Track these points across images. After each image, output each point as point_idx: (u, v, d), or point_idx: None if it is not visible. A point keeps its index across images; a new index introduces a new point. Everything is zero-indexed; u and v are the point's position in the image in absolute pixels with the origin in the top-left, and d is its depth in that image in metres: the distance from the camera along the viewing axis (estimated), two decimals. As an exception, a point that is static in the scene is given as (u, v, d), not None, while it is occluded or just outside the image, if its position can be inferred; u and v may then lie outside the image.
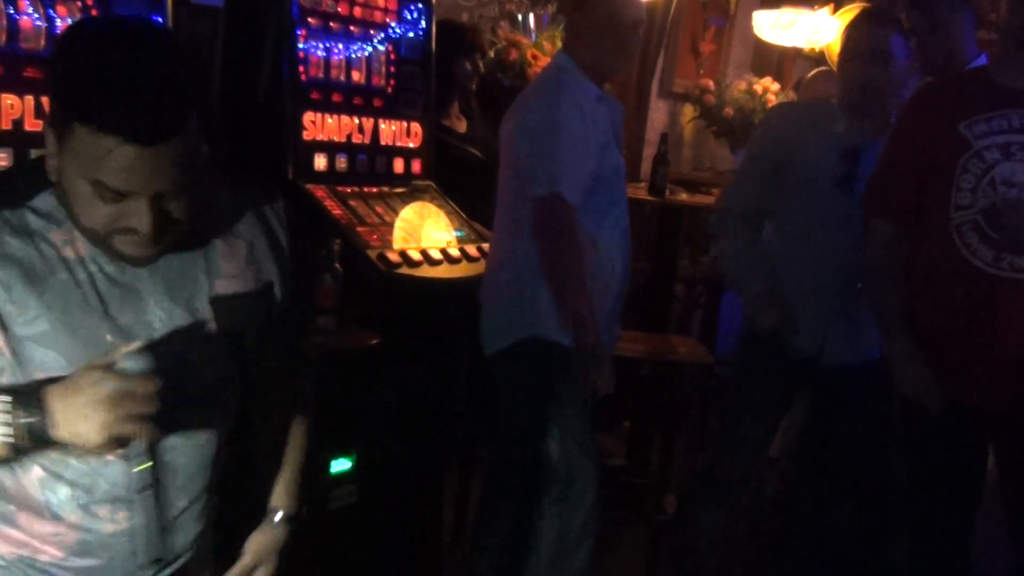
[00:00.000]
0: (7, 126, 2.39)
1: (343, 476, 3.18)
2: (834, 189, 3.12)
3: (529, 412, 3.07)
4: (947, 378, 2.81)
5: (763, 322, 3.24)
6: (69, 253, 1.54)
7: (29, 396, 1.42)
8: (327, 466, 3.13)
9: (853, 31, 3.21)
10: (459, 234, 3.44)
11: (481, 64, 4.47)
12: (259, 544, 1.97)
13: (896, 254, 2.94)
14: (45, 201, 1.57)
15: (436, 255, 3.28)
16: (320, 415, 2.97)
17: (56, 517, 1.63)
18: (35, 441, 1.42)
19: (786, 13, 6.58)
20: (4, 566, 1.66)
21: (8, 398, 1.41)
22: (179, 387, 1.57)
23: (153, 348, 1.50)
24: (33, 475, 1.59)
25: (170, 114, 1.47)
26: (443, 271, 3.27)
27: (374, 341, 2.98)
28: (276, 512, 2.00)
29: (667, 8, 6.52)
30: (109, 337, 1.54)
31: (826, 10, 7.55)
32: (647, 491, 4.42)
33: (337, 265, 2.96)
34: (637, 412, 4.79)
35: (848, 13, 6.64)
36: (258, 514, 2.00)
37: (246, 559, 1.94)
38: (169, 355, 1.55)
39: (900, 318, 2.92)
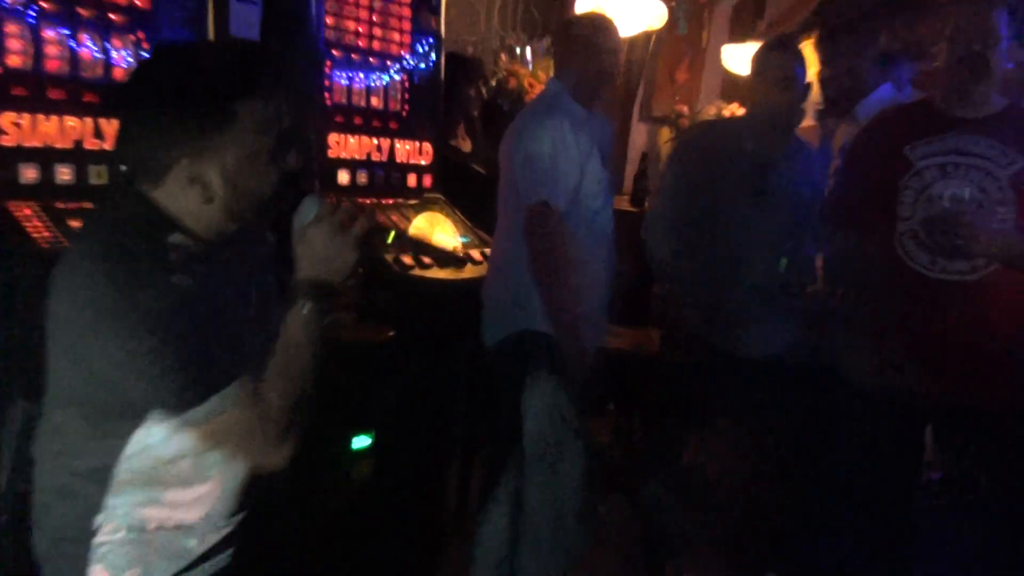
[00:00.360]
0: (69, 145, 2.41)
1: (363, 451, 3.19)
2: (748, 199, 3.14)
3: (523, 395, 3.06)
4: (890, 366, 2.83)
5: (692, 318, 3.27)
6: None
7: (295, 293, 1.60)
8: (349, 443, 3.14)
9: (764, 60, 3.24)
10: (464, 240, 3.45)
11: (484, 91, 4.48)
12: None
13: (851, 259, 2.97)
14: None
15: (445, 258, 3.31)
16: (342, 399, 3.01)
17: (204, 480, 1.69)
18: (330, 299, 1.63)
19: (750, 47, 6.59)
20: (155, 527, 1.68)
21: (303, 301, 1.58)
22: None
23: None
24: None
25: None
26: (450, 272, 3.29)
27: (390, 334, 2.99)
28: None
29: (647, 43, 6.54)
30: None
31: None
32: (628, 465, 4.44)
33: (358, 267, 2.98)
34: (620, 396, 4.80)
35: (806, 46, 6.68)
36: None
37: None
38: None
39: (854, 316, 2.95)
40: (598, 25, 3.14)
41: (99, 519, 1.66)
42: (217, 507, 1.73)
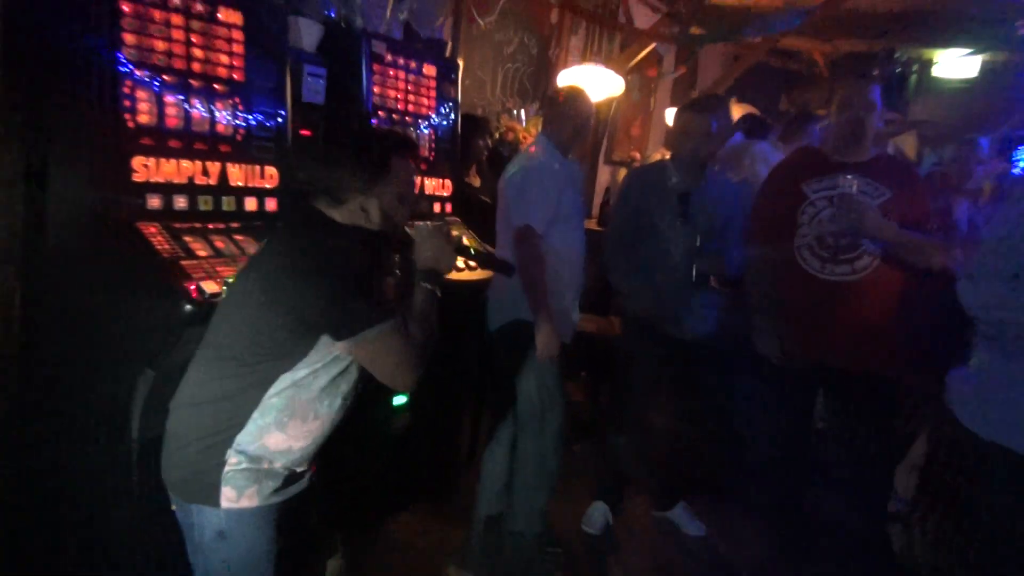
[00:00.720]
0: (184, 181, 2.41)
1: (401, 408, 3.19)
2: (675, 220, 3.13)
3: (517, 368, 3.06)
4: (795, 341, 2.84)
5: (636, 307, 3.28)
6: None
7: (420, 277, 1.92)
8: (391, 401, 3.15)
9: (679, 117, 3.27)
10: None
11: (490, 141, 4.48)
12: None
13: (763, 266, 2.97)
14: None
15: (460, 265, 3.29)
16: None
17: (316, 417, 1.79)
18: (438, 284, 1.92)
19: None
20: (272, 454, 1.77)
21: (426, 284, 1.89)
22: None
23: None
24: (312, 393, 1.76)
25: (417, 143, 2.13)
26: (464, 276, 3.27)
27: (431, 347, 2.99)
28: None
29: (610, 106, 6.55)
30: None
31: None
32: (598, 421, 4.45)
33: (397, 271, 2.97)
34: (591, 366, 4.80)
35: (737, 110, 6.69)
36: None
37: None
38: None
39: (763, 306, 2.95)
40: (575, 97, 3.13)
41: (228, 453, 1.73)
42: (316, 441, 1.83)
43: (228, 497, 1.74)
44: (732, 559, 3.25)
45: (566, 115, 3.08)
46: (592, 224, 4.96)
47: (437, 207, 3.50)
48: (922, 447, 3.59)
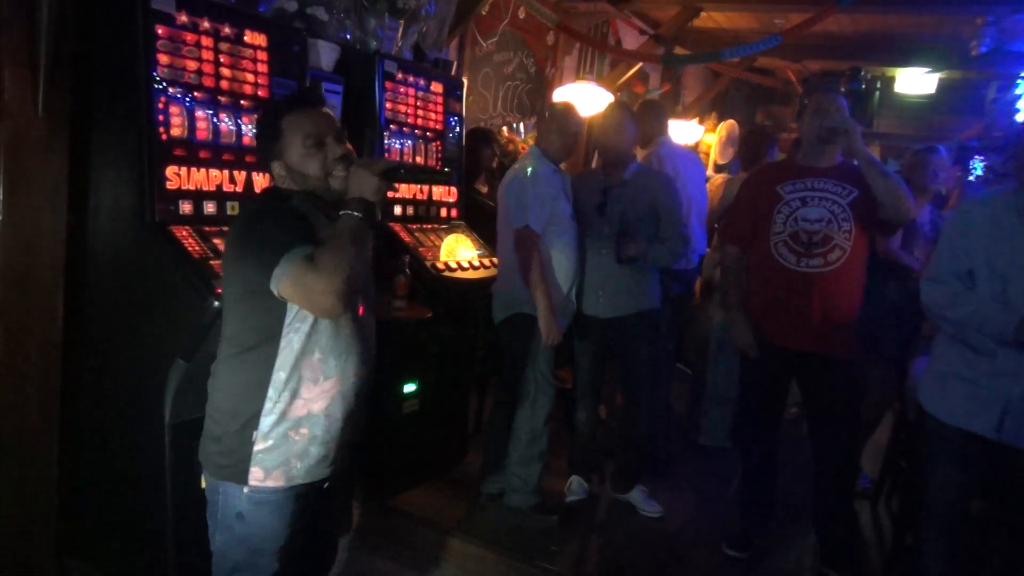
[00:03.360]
0: (212, 188, 2.40)
1: (411, 394, 3.18)
2: (595, 212, 3.12)
3: (516, 356, 3.05)
4: (770, 331, 2.83)
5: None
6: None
7: (345, 206, 1.64)
8: (401, 388, 3.13)
9: (601, 120, 3.26)
10: (479, 252, 3.42)
11: (497, 150, 4.46)
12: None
13: (738, 263, 2.96)
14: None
15: (466, 265, 3.28)
16: (397, 358, 3.01)
17: (327, 377, 1.71)
18: (363, 210, 1.63)
19: (672, 123, 6.58)
20: (297, 421, 1.71)
21: (346, 211, 1.62)
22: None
23: None
24: (316, 356, 1.69)
25: (314, 95, 1.81)
26: (470, 275, 3.26)
27: (429, 315, 2.98)
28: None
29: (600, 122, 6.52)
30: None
31: (694, 121, 7.57)
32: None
33: (407, 270, 2.97)
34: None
35: (725, 125, 6.68)
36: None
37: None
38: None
39: (737, 300, 2.95)
40: (565, 113, 3.12)
41: (255, 434, 1.70)
42: (335, 404, 1.74)
43: (256, 476, 1.69)
44: (691, 536, 3.23)
45: (557, 129, 3.07)
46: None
47: (444, 211, 3.49)
48: (887, 430, 3.59)
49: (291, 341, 1.67)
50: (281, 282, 1.57)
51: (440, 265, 3.16)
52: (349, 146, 1.76)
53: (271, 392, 1.68)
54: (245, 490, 1.70)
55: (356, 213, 1.61)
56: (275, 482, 1.71)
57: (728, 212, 3.05)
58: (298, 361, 1.68)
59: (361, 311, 1.78)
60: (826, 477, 2.86)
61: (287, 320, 1.67)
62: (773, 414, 2.97)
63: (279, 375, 1.68)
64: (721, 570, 2.97)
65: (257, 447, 1.69)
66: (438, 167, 3.44)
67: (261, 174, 2.53)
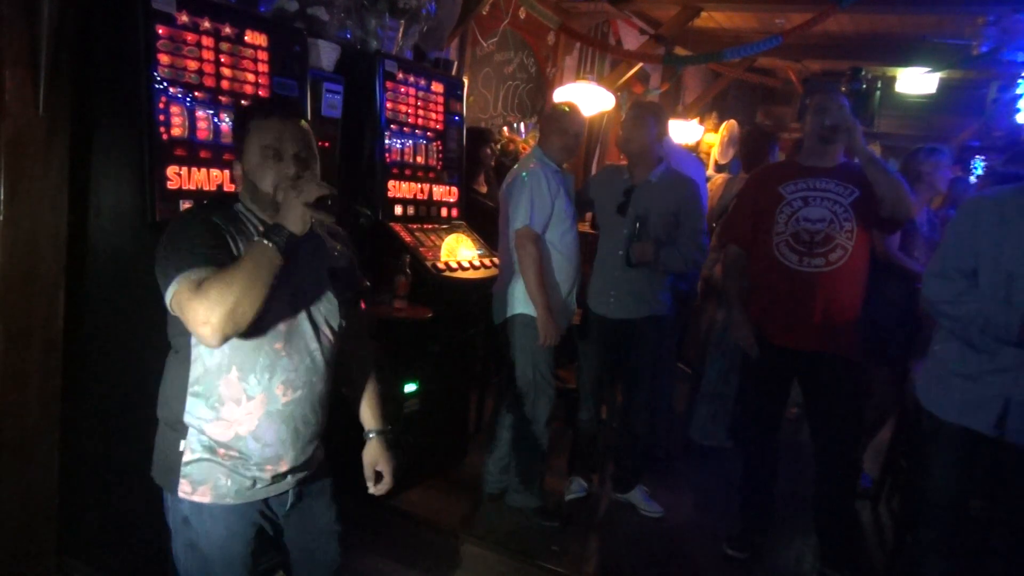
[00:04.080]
0: (213, 187, 2.39)
1: (412, 394, 3.18)
2: (615, 212, 3.12)
3: (516, 356, 3.05)
4: (771, 331, 2.83)
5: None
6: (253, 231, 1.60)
7: (266, 231, 1.49)
8: (402, 387, 3.13)
9: (627, 118, 3.25)
10: (480, 252, 3.43)
11: (496, 148, 4.46)
12: (370, 454, 1.88)
13: (739, 263, 2.96)
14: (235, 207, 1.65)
15: (466, 265, 3.28)
16: (397, 357, 3.01)
17: (249, 398, 1.59)
18: (282, 239, 1.47)
19: (672, 123, 6.59)
20: (222, 443, 1.61)
21: (259, 239, 1.48)
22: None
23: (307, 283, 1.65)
24: (232, 374, 1.58)
25: (293, 108, 1.80)
26: (470, 274, 3.27)
27: (429, 315, 2.98)
28: (370, 432, 1.88)
29: (602, 119, 6.53)
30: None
31: (695, 120, 7.57)
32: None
33: (408, 270, 2.97)
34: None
35: (724, 129, 6.67)
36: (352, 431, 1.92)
37: (366, 463, 1.86)
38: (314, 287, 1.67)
39: (738, 299, 2.95)
40: (566, 113, 3.10)
41: (183, 444, 1.63)
42: (263, 426, 1.61)
43: (184, 489, 1.62)
44: (692, 537, 3.23)
45: (558, 130, 3.05)
46: (584, 226, 4.93)
47: (444, 211, 3.49)
48: (888, 431, 3.59)
49: (201, 354, 1.59)
50: (171, 301, 1.49)
51: (441, 265, 3.16)
52: (313, 170, 1.64)
53: (189, 404, 1.61)
54: (179, 498, 1.64)
55: (269, 243, 1.46)
56: (202, 497, 1.62)
57: (729, 211, 3.05)
58: (212, 376, 1.58)
59: (303, 326, 1.65)
60: (827, 477, 2.85)
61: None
62: (774, 414, 2.97)
63: (195, 388, 1.60)
64: (721, 570, 2.97)
65: (185, 458, 1.63)
66: (439, 167, 3.44)
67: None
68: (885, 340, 3.32)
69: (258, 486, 1.66)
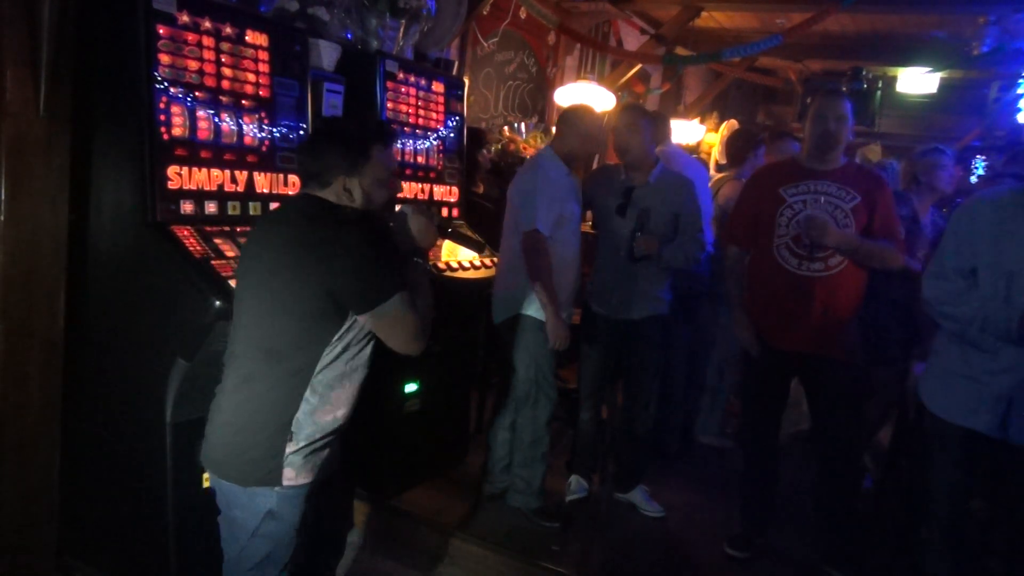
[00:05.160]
0: (214, 188, 2.40)
1: (412, 394, 3.18)
2: (615, 213, 3.09)
3: (518, 356, 3.04)
4: (770, 332, 2.83)
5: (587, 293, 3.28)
6: None
7: (410, 256, 1.88)
8: (403, 388, 3.13)
9: (620, 122, 3.18)
10: (480, 252, 3.43)
11: (492, 150, 4.45)
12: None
13: (739, 264, 2.96)
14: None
15: (467, 265, 3.28)
16: (397, 357, 2.99)
17: (352, 384, 1.82)
18: (426, 257, 1.94)
19: (673, 123, 6.58)
20: (325, 425, 1.80)
21: (420, 261, 1.90)
22: None
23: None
24: (347, 367, 1.80)
25: (396, 134, 1.93)
26: (471, 274, 3.26)
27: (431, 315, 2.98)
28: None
29: (603, 119, 6.52)
30: None
31: (696, 120, 7.56)
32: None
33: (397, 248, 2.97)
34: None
35: (724, 128, 6.68)
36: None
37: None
38: None
39: (739, 300, 2.94)
40: (584, 116, 3.07)
41: (287, 437, 1.76)
42: (350, 407, 1.85)
43: (288, 477, 1.76)
44: (693, 536, 3.23)
45: (576, 133, 3.02)
46: (586, 227, 4.94)
47: (445, 211, 3.49)
48: (889, 431, 3.59)
49: (334, 349, 1.75)
50: (381, 317, 1.71)
51: (441, 265, 3.16)
52: None
53: (306, 401, 1.75)
54: (277, 489, 1.76)
55: (425, 263, 1.85)
56: (305, 479, 1.79)
57: (734, 210, 3.04)
58: (336, 370, 1.77)
59: None
60: (829, 477, 2.85)
61: (336, 335, 1.74)
62: (774, 414, 2.97)
63: (317, 379, 1.75)
64: (722, 570, 2.97)
65: (289, 449, 1.76)
66: (439, 167, 3.44)
67: (263, 174, 2.53)
68: (885, 340, 3.31)
69: (335, 459, 1.88)
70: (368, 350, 1.84)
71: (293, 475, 1.77)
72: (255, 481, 1.76)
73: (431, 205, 1.84)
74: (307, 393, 1.75)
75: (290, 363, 1.74)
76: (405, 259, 1.86)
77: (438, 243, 3.23)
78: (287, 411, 1.75)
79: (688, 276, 3.59)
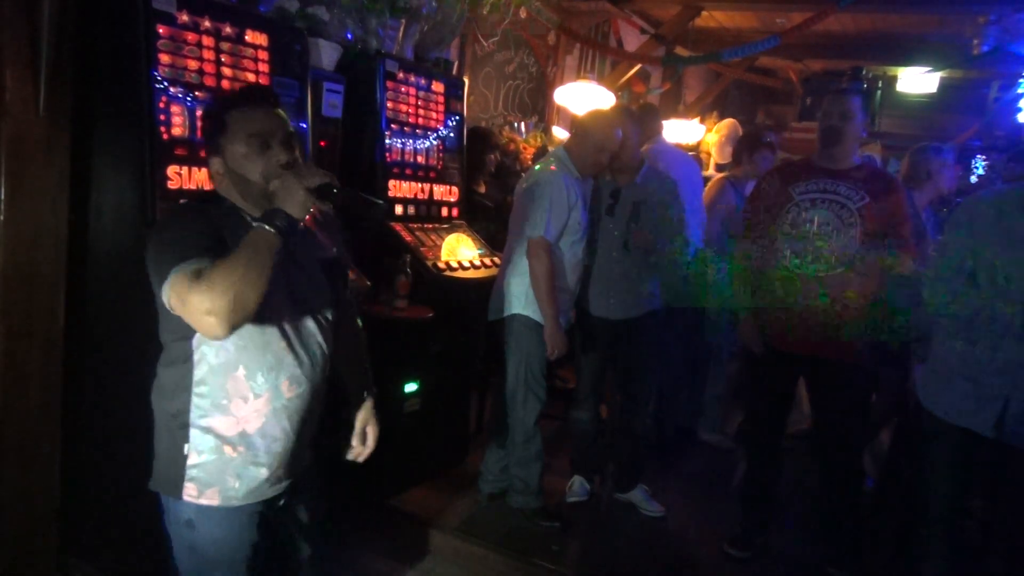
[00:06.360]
0: (196, 186, 2.36)
1: (412, 394, 3.18)
2: (605, 214, 3.11)
3: (510, 355, 3.04)
4: (772, 332, 2.83)
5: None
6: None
7: (264, 216, 1.47)
8: (402, 387, 3.13)
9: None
10: (479, 252, 3.43)
11: (498, 155, 4.42)
12: (363, 416, 1.88)
13: (747, 262, 2.94)
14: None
15: (466, 264, 3.28)
16: (398, 357, 3.01)
17: (256, 396, 1.59)
18: (282, 222, 1.46)
19: (671, 122, 6.61)
20: (230, 440, 1.60)
21: (259, 223, 1.45)
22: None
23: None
24: (240, 372, 1.57)
25: (270, 95, 1.66)
26: (470, 274, 3.27)
27: (429, 314, 2.98)
28: (365, 393, 1.89)
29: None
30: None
31: (695, 120, 7.57)
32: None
33: (408, 270, 2.97)
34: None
35: (721, 127, 6.69)
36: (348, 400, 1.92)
37: (358, 425, 1.87)
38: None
39: (745, 298, 2.93)
40: (602, 121, 3.04)
41: (187, 447, 1.60)
42: (270, 422, 1.61)
43: (189, 492, 1.60)
44: (693, 536, 3.23)
45: (594, 144, 2.97)
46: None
47: (444, 211, 3.49)
48: (889, 432, 3.59)
49: (205, 354, 1.57)
50: (169, 296, 1.44)
51: (441, 264, 3.16)
52: (298, 154, 1.63)
53: (195, 404, 1.59)
54: (183, 502, 1.62)
55: (269, 228, 1.44)
56: (209, 500, 1.60)
57: (745, 209, 3.05)
58: (219, 375, 1.57)
59: (305, 321, 1.66)
60: (831, 477, 2.86)
61: (195, 332, 1.52)
62: (779, 415, 2.97)
63: (200, 388, 1.58)
64: (722, 569, 2.97)
65: (191, 460, 1.60)
66: (439, 166, 3.44)
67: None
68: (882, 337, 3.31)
69: (264, 485, 1.65)
70: (269, 356, 1.59)
71: (195, 492, 1.59)
72: (159, 485, 1.64)
73: (326, 172, 1.47)
74: (194, 395, 1.58)
75: (166, 350, 1.62)
76: (216, 236, 1.50)
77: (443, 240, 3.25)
78: (175, 408, 1.59)
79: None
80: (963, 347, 2.20)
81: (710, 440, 4.17)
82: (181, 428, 1.60)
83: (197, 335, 1.54)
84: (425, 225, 3.33)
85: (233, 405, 1.59)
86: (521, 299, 2.98)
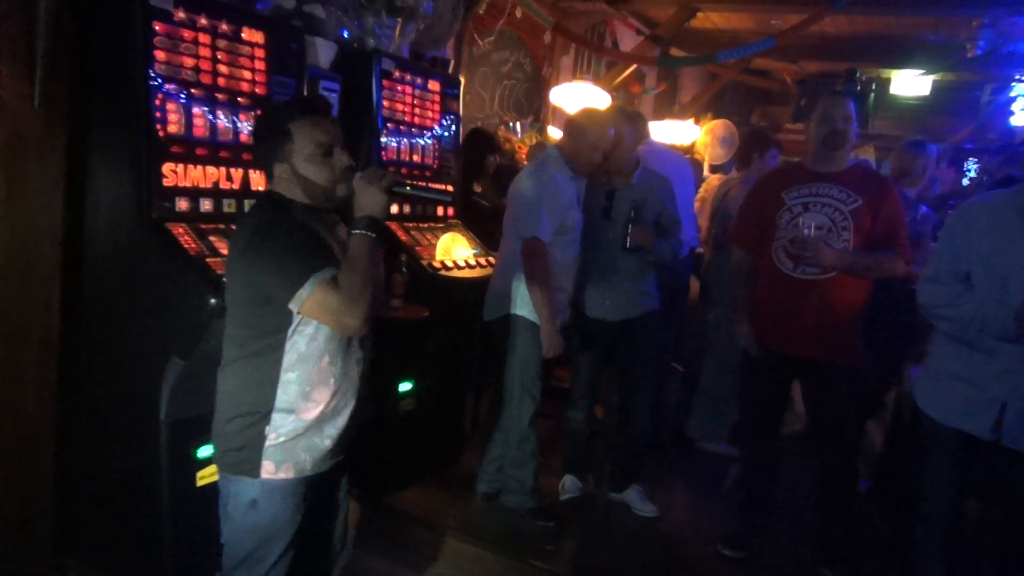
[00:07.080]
0: (209, 185, 2.39)
1: (407, 393, 3.18)
2: (600, 216, 3.10)
3: (505, 356, 3.04)
4: (769, 335, 2.84)
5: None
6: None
7: (353, 225, 1.73)
8: (397, 387, 3.12)
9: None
10: (475, 252, 3.42)
11: (499, 157, 4.40)
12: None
13: (745, 266, 2.95)
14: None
15: (461, 264, 3.28)
16: (393, 357, 3.00)
17: (334, 378, 1.78)
18: (377, 225, 1.72)
19: (666, 123, 6.61)
20: (307, 420, 1.76)
21: (359, 231, 1.71)
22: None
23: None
24: (325, 360, 1.75)
25: (327, 103, 1.84)
26: (466, 273, 3.27)
27: (425, 314, 2.97)
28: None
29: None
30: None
31: (690, 120, 7.58)
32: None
33: (404, 269, 2.96)
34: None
35: (712, 126, 6.69)
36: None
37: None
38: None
39: (745, 302, 2.94)
40: (596, 120, 3.01)
41: (267, 429, 1.74)
42: (341, 402, 1.81)
43: (267, 470, 1.74)
44: (687, 537, 3.23)
45: (582, 138, 2.96)
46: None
47: (440, 210, 3.48)
48: (883, 432, 3.60)
49: (296, 344, 1.73)
50: (305, 303, 1.64)
51: (436, 264, 3.16)
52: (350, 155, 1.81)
53: (281, 392, 1.73)
54: (258, 480, 1.75)
55: (369, 233, 1.69)
56: (286, 474, 1.76)
57: (739, 213, 3.05)
58: (306, 364, 1.73)
59: None
60: (827, 479, 2.86)
61: (292, 325, 1.71)
62: (773, 417, 2.97)
63: (288, 376, 1.73)
64: (717, 570, 2.97)
65: (269, 442, 1.74)
66: (435, 165, 3.44)
67: (259, 172, 2.52)
68: (878, 339, 3.31)
69: (327, 456, 1.82)
70: (352, 341, 1.81)
71: (273, 468, 1.75)
72: (236, 469, 1.77)
73: (383, 166, 1.70)
74: (281, 383, 1.73)
75: (250, 347, 1.74)
76: (321, 242, 1.73)
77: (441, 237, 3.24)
78: (260, 398, 1.74)
79: (671, 272, 3.60)
80: (960, 351, 2.20)
81: (711, 448, 4.15)
82: (265, 414, 1.74)
83: (292, 328, 1.71)
84: (420, 224, 3.32)
85: (316, 391, 1.76)
86: (517, 299, 2.97)
